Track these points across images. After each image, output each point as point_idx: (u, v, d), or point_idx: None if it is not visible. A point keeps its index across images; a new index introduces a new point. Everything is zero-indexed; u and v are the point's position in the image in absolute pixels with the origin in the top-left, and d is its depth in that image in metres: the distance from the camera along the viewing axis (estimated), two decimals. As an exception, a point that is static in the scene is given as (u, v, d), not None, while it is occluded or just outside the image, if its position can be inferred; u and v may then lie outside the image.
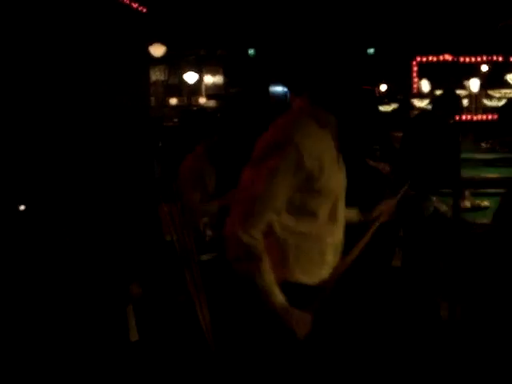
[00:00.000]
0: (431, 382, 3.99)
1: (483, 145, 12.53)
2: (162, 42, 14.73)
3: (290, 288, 2.22)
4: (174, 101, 19.16)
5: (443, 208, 4.89)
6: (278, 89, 20.21)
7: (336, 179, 2.38)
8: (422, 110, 12.62)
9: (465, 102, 14.55)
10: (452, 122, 5.28)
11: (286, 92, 20.75)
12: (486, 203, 5.09)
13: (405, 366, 4.15)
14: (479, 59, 17.19)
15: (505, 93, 12.78)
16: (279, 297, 2.15)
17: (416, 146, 5.30)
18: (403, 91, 15.50)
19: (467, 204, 5.00)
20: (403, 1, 14.21)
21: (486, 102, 14.68)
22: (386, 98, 16.31)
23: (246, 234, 2.11)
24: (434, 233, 5.00)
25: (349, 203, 2.54)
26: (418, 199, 5.02)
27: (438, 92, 13.36)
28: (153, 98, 18.10)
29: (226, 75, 19.67)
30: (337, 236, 2.39)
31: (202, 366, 4.03)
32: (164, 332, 4.50)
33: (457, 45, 16.68)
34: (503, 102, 14.55)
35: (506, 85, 9.31)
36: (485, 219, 4.50)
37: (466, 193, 5.08)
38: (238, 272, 2.18)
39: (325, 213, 2.30)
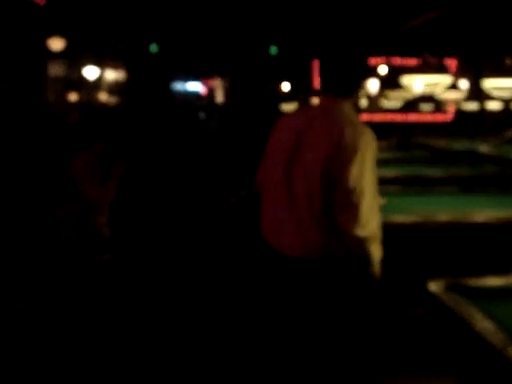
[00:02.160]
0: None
1: (383, 144, 12.95)
2: (62, 36, 14.32)
3: None
4: (73, 97, 18.71)
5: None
6: (180, 85, 20.11)
7: None
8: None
9: (364, 102, 14.97)
10: None
11: (187, 89, 20.72)
12: (383, 201, 5.20)
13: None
14: (378, 60, 17.72)
15: (401, 94, 13.22)
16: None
17: None
18: (305, 90, 15.75)
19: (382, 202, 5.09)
20: (305, 1, 14.40)
21: (384, 103, 15.15)
22: (288, 97, 16.57)
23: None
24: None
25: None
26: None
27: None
28: (52, 94, 17.62)
29: (127, 71, 19.40)
30: None
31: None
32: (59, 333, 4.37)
33: (357, 46, 17.08)
34: (400, 102, 15.09)
35: (401, 85, 9.64)
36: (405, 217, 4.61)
37: None
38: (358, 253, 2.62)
39: None
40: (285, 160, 2.70)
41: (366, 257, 2.63)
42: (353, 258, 2.66)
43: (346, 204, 2.55)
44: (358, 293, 2.71)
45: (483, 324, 2.31)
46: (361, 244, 2.59)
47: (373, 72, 16.19)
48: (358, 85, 2.81)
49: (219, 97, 22.25)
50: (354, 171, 2.54)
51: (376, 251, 2.67)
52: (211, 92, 22.56)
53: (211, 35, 16.56)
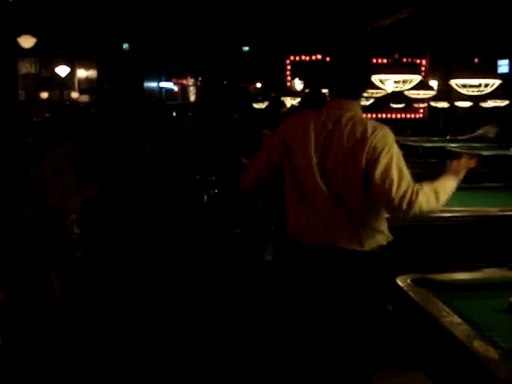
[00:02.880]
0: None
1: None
2: (33, 34, 14.16)
3: None
4: (45, 95, 18.55)
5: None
6: (153, 84, 19.99)
7: None
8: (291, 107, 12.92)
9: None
10: None
11: (161, 88, 20.61)
12: None
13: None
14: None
15: (372, 92, 13.28)
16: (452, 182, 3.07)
17: None
18: (277, 89, 15.77)
19: None
20: (278, 1, 14.42)
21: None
22: (260, 96, 16.56)
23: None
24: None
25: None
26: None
27: (308, 90, 13.65)
28: (23, 92, 17.42)
29: (99, 69, 19.25)
30: None
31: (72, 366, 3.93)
32: (30, 335, 4.34)
33: (328, 45, 17.17)
34: (371, 101, 15.16)
35: (373, 85, 9.70)
36: None
37: None
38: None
39: None
40: (311, 162, 2.88)
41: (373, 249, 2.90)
42: (376, 254, 2.90)
43: (390, 196, 2.75)
44: (374, 287, 2.96)
45: (449, 318, 2.35)
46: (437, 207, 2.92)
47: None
48: (365, 86, 3.03)
49: (192, 96, 22.18)
50: (384, 165, 2.76)
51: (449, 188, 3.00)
52: (184, 91, 22.47)
53: (184, 34, 16.50)
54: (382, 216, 2.95)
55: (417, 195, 2.76)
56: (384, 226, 2.97)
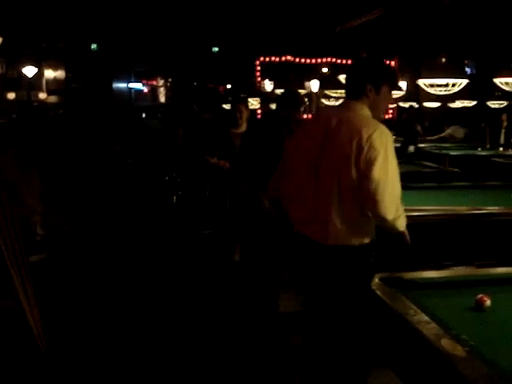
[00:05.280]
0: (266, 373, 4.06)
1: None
2: (-1, 34, 13.95)
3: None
4: (12, 95, 18.32)
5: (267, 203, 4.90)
6: (122, 85, 19.86)
7: None
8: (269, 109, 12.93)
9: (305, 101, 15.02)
10: (294, 120, 5.36)
11: (130, 88, 20.49)
12: None
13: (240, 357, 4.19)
14: (318, 61, 17.86)
15: (341, 93, 13.35)
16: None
17: (255, 144, 5.37)
18: (246, 90, 15.75)
19: None
20: (247, 2, 14.41)
21: (324, 102, 15.27)
22: (229, 97, 16.52)
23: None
24: (269, 227, 5.07)
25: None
26: (255, 195, 5.09)
27: (279, 91, 13.68)
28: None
29: (67, 70, 19.06)
30: None
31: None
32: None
33: (298, 46, 17.20)
34: (340, 101, 15.22)
35: (342, 85, 9.73)
36: None
37: None
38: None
39: None
40: (311, 161, 3.08)
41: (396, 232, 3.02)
42: (364, 248, 3.00)
43: (373, 195, 2.83)
44: (360, 281, 2.95)
45: (417, 317, 2.33)
46: (392, 226, 2.95)
47: (314, 72, 16.32)
48: (364, 87, 3.10)
49: (161, 97, 22.09)
50: (378, 167, 2.84)
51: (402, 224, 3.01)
52: (153, 92, 22.37)
53: (154, 35, 16.42)
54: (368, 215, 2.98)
55: (394, 197, 2.89)
56: (371, 225, 3.04)
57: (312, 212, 3.08)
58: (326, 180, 3.01)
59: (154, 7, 14.29)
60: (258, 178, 5.20)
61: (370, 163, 2.85)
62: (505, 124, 14.91)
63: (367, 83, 3.14)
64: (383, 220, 2.90)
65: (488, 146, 13.38)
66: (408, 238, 3.14)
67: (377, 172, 2.84)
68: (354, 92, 3.15)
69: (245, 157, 5.30)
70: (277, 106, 5.37)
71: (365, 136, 2.88)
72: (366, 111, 3.10)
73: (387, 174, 2.86)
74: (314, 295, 3.24)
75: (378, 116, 3.18)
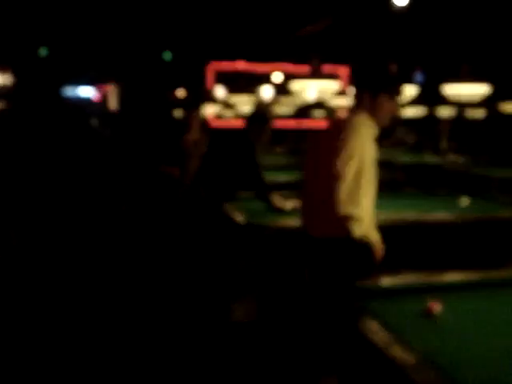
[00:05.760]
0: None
1: (278, 149, 13.15)
2: None
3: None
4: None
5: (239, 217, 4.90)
6: (72, 91, 19.58)
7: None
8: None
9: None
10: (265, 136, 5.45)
11: (78, 95, 20.22)
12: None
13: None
14: (272, 67, 17.93)
15: (292, 100, 13.41)
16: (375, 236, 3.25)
17: (216, 155, 5.39)
18: (199, 96, 15.70)
19: (288, 206, 5.10)
20: (199, 7, 14.37)
21: (277, 109, 15.33)
22: (182, 103, 16.45)
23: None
24: (227, 237, 5.06)
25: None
26: (215, 205, 5.09)
27: (233, 97, 13.68)
28: None
29: (15, 75, 18.67)
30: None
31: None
32: None
33: (251, 52, 17.23)
34: (291, 109, 15.31)
35: (293, 92, 9.80)
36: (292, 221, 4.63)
37: (277, 196, 5.18)
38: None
39: None
40: (311, 164, 3.37)
41: (348, 235, 3.11)
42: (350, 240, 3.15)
43: (333, 188, 3.05)
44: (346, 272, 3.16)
45: (368, 324, 2.34)
46: (342, 222, 3.09)
47: (267, 78, 16.38)
48: (362, 95, 3.29)
49: (112, 103, 21.85)
50: (340, 161, 3.06)
51: (360, 231, 3.11)
52: (104, 98, 22.12)
53: (105, 40, 16.23)
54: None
55: (352, 195, 3.07)
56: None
57: (309, 207, 3.37)
58: (319, 179, 3.26)
59: (105, 12, 14.14)
60: (225, 191, 5.24)
61: (337, 161, 3.06)
62: (446, 130, 15.27)
63: (364, 92, 3.29)
64: (338, 214, 3.07)
65: (432, 153, 13.67)
66: (379, 252, 3.29)
67: (338, 168, 3.05)
68: (354, 100, 3.35)
69: (207, 167, 5.32)
70: (247, 124, 5.40)
71: (341, 138, 3.11)
72: (361, 118, 3.25)
73: (348, 172, 3.05)
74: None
75: (380, 124, 3.32)
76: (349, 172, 3.06)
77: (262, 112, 5.46)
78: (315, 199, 3.29)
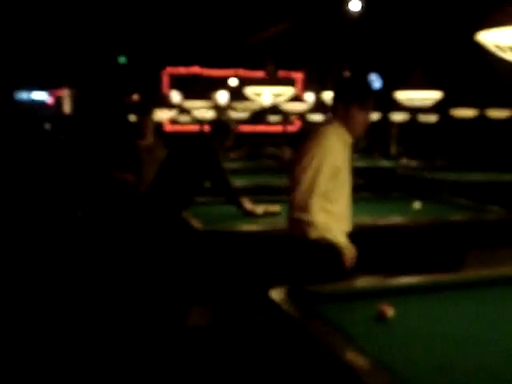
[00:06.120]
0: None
1: (232, 154, 13.15)
2: None
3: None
4: None
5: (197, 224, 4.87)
6: (25, 95, 19.27)
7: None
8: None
9: (211, 113, 15.03)
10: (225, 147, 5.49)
11: (34, 99, 19.89)
12: (277, 209, 5.21)
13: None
14: (226, 72, 17.94)
15: (247, 105, 13.41)
16: (344, 241, 3.38)
17: (176, 161, 5.37)
18: (154, 101, 15.58)
19: (259, 211, 5.10)
20: (155, 13, 14.29)
21: (232, 114, 15.30)
22: (136, 108, 16.28)
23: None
24: (181, 244, 5.04)
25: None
26: (173, 211, 5.07)
27: (187, 103, 13.62)
28: None
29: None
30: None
31: None
32: None
33: (206, 58, 17.21)
34: (247, 113, 15.31)
35: (248, 97, 9.81)
36: (254, 226, 4.62)
37: (247, 200, 5.17)
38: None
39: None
40: (291, 169, 3.47)
41: (305, 237, 3.29)
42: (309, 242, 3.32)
43: (291, 191, 3.33)
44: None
45: (322, 329, 2.34)
46: (296, 224, 3.31)
47: (222, 83, 16.37)
48: (336, 104, 3.47)
49: (67, 107, 21.55)
50: (299, 168, 3.31)
51: (315, 234, 3.26)
52: (59, 102, 21.80)
53: (59, 44, 16.02)
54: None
55: (307, 200, 3.24)
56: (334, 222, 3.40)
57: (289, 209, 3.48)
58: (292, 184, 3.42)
59: (59, 16, 13.95)
60: (184, 198, 5.21)
61: (297, 168, 3.32)
62: (395, 135, 15.52)
63: (337, 101, 3.47)
64: (293, 214, 3.31)
65: (379, 157, 13.87)
66: (348, 256, 3.38)
67: (296, 175, 3.31)
68: (331, 108, 3.52)
69: (173, 178, 5.28)
70: (211, 134, 5.38)
71: (305, 146, 3.35)
72: (330, 127, 3.44)
73: (303, 179, 3.26)
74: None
75: (353, 133, 3.49)
76: (304, 179, 3.26)
77: (225, 123, 5.45)
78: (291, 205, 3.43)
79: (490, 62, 5.76)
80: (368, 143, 14.23)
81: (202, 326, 4.87)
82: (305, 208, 3.25)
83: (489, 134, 15.09)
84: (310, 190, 3.26)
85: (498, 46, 3.96)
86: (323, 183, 3.28)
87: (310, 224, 3.26)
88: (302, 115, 16.71)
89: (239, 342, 4.55)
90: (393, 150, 15.68)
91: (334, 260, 3.33)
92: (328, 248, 3.31)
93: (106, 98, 17.97)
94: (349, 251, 3.38)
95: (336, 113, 3.47)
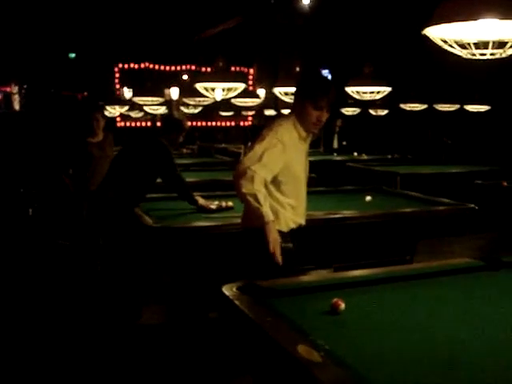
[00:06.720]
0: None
1: (184, 150, 13.12)
2: None
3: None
4: None
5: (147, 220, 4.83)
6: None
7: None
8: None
9: (163, 109, 14.89)
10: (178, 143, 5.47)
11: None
12: (230, 204, 5.19)
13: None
14: (177, 68, 17.84)
15: (199, 101, 13.35)
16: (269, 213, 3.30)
17: (128, 158, 5.31)
18: (104, 98, 15.39)
19: (212, 206, 5.08)
20: (105, 9, 14.12)
21: (184, 110, 15.21)
22: (86, 104, 16.10)
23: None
24: (135, 240, 4.99)
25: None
26: (125, 208, 5.01)
27: (138, 99, 13.50)
28: None
29: None
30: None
31: None
32: None
33: (157, 53, 17.07)
34: (199, 109, 15.24)
35: (199, 93, 9.75)
36: (207, 222, 4.60)
37: (199, 196, 5.15)
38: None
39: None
40: None
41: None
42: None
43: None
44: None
45: (273, 324, 2.33)
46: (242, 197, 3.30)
47: (174, 79, 16.29)
48: (295, 106, 3.57)
49: (16, 104, 21.13)
50: (249, 149, 3.43)
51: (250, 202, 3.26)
52: (7, 99, 21.37)
53: (7, 39, 15.69)
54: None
55: (243, 178, 3.25)
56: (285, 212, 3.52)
57: None
58: None
59: (6, 11, 13.67)
60: (136, 194, 5.16)
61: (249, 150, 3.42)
62: (337, 129, 15.69)
63: (295, 97, 3.60)
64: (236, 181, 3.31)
65: (322, 150, 14.02)
66: (271, 245, 3.25)
67: (248, 151, 3.39)
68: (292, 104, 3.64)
69: (125, 174, 5.22)
70: (163, 131, 5.35)
71: (260, 133, 3.45)
72: (290, 121, 3.53)
73: (253, 149, 3.34)
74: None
75: (306, 130, 3.55)
76: (252, 150, 3.36)
77: (177, 119, 5.41)
78: None
79: (436, 56, 5.85)
80: (318, 136, 14.35)
81: (156, 323, 4.85)
82: (246, 173, 3.25)
83: (438, 127, 15.34)
84: (255, 159, 3.30)
85: (444, 40, 4.01)
86: (271, 160, 3.33)
87: (246, 189, 3.24)
88: (258, 111, 16.71)
89: (193, 338, 4.54)
90: (335, 143, 15.87)
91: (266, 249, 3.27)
92: (259, 235, 3.26)
93: (55, 95, 17.68)
94: (272, 233, 3.26)
95: (294, 108, 3.58)
